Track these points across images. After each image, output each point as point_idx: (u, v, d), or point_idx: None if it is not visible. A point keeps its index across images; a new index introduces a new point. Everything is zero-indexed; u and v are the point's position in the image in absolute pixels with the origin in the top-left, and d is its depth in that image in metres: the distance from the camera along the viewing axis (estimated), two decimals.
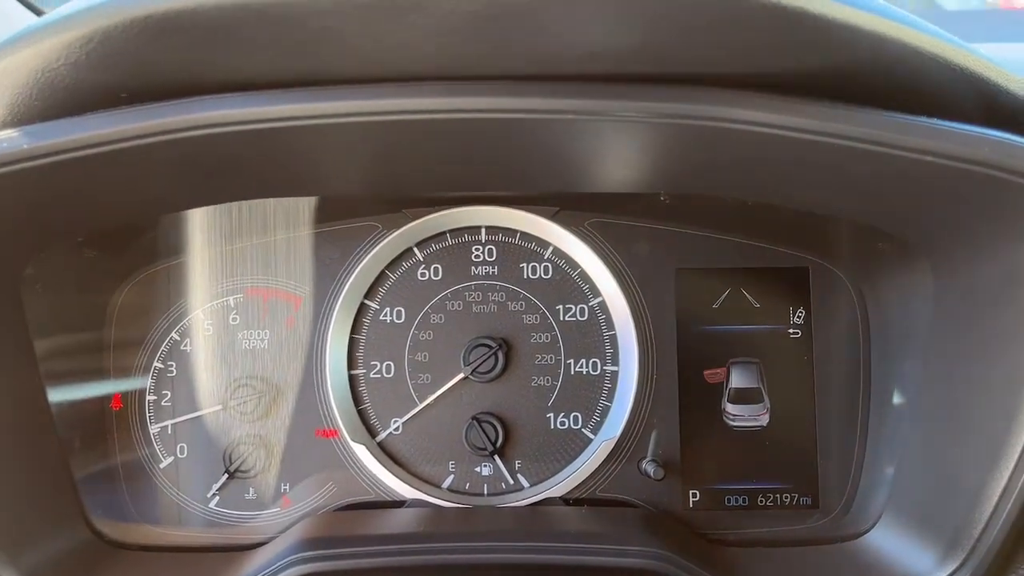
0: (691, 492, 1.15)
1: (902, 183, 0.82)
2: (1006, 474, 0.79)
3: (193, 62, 0.76)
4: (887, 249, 1.04)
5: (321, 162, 0.90)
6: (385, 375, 1.16)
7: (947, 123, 0.77)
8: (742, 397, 1.15)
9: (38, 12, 1.57)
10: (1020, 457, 0.78)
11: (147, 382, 1.16)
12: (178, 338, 1.17)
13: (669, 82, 0.78)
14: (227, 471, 1.14)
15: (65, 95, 0.78)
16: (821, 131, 0.75)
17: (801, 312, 1.16)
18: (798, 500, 1.15)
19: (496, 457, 1.14)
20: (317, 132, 0.81)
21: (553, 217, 1.15)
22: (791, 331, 1.16)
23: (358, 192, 1.10)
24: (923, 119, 0.77)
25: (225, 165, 0.87)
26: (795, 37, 0.72)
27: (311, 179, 0.96)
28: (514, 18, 0.70)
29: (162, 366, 1.16)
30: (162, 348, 1.16)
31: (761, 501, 1.15)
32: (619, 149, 0.87)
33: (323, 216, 1.15)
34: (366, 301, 1.16)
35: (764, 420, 1.15)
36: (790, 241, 1.15)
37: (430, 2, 0.67)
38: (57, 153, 0.77)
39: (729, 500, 1.15)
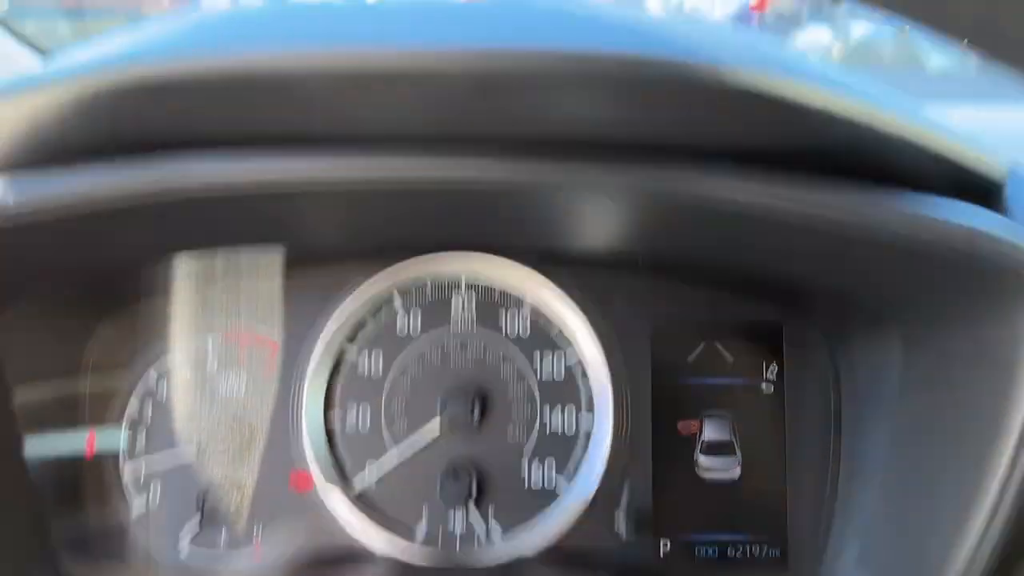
0: (663, 542, 1.15)
1: (869, 257, 0.84)
2: (970, 543, 0.81)
3: (182, 121, 0.77)
4: (859, 314, 1.06)
5: (305, 218, 0.91)
6: (361, 422, 1.16)
7: (916, 203, 0.79)
8: (715, 450, 1.16)
9: (42, 53, 1.57)
10: (985, 527, 0.80)
11: (121, 426, 1.15)
12: (154, 382, 1.16)
13: (651, 154, 0.80)
14: (199, 517, 1.13)
15: (52, 147, 0.79)
16: (792, 205, 0.78)
17: (774, 368, 1.17)
18: (767, 553, 1.16)
19: (469, 509, 1.14)
20: (304, 191, 0.82)
21: (534, 269, 1.16)
22: (764, 386, 1.17)
23: (340, 244, 1.11)
24: (892, 198, 0.79)
25: (210, 218, 0.88)
26: (769, 118, 0.75)
27: (295, 233, 0.97)
28: (504, 92, 0.72)
29: (137, 410, 1.16)
30: (137, 391, 1.16)
31: (731, 553, 1.16)
32: (600, 215, 0.89)
33: (304, 261, 1.16)
34: (344, 348, 1.17)
35: (736, 473, 1.16)
36: (765, 297, 1.17)
37: (420, 79, 0.69)
38: (41, 207, 0.77)
39: (700, 552, 1.16)
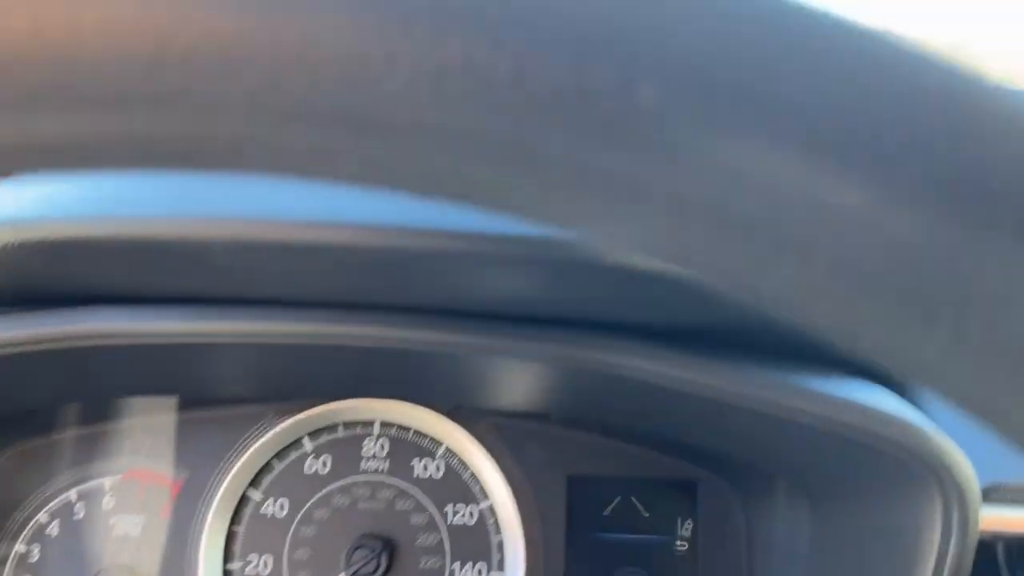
0: None
1: (773, 433, 0.84)
2: None
3: (80, 278, 0.76)
4: (769, 479, 1.06)
5: (210, 374, 0.89)
6: (262, 572, 1.11)
7: (819, 382, 0.80)
8: None
9: None
10: None
11: (4, 569, 1.09)
12: (46, 520, 1.11)
13: (558, 325, 0.80)
14: None
15: None
16: (693, 382, 0.78)
17: (689, 525, 1.16)
18: None
19: None
20: (207, 347, 0.81)
21: (448, 415, 1.14)
22: (678, 543, 1.15)
23: (246, 396, 1.08)
24: (796, 377, 0.80)
25: (104, 372, 0.85)
26: (675, 297, 0.75)
27: (200, 386, 0.95)
28: (406, 266, 0.71)
29: (24, 550, 1.10)
30: (26, 530, 1.10)
31: None
32: (508, 379, 0.88)
33: (211, 401, 1.12)
34: (249, 492, 1.12)
35: None
36: (682, 454, 1.16)
37: (319, 251, 0.68)
38: None
39: None
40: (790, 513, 1.04)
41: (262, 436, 1.12)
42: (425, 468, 1.15)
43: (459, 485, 1.15)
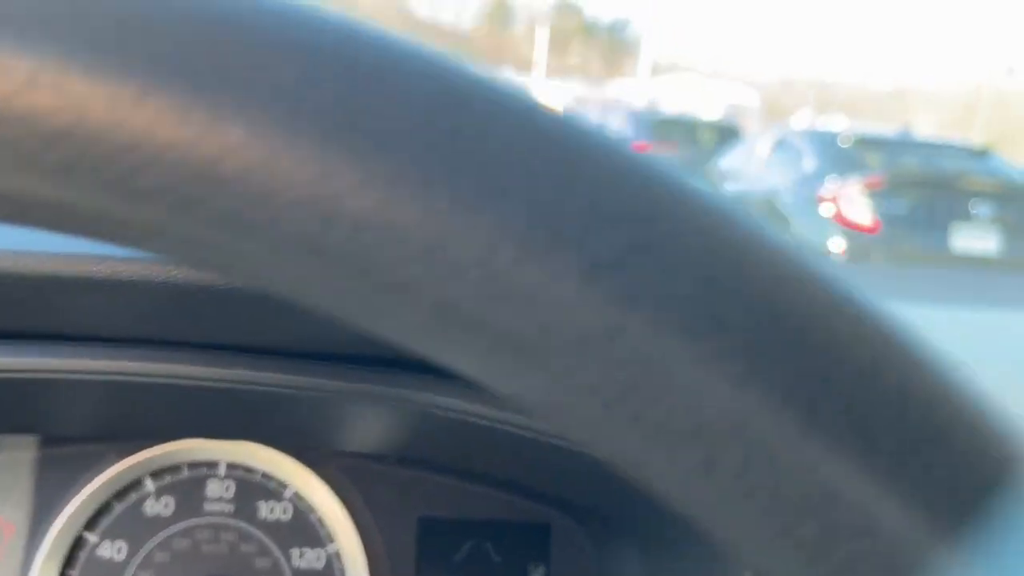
0: None
1: (600, 473, 0.85)
2: None
3: None
4: (606, 520, 1.06)
5: (42, 412, 0.86)
6: None
7: None
8: None
9: None
10: None
11: None
12: None
13: (391, 367, 0.80)
14: None
15: None
16: (511, 422, 0.79)
17: (542, 570, 1.15)
18: None
19: None
20: (30, 384, 0.79)
21: (296, 456, 1.12)
22: None
23: (87, 435, 1.05)
24: None
25: None
26: None
27: (34, 424, 0.92)
28: (220, 302, 0.71)
29: None
30: None
31: None
32: (346, 420, 0.88)
33: (47, 436, 1.08)
34: (85, 534, 1.08)
35: None
36: (535, 496, 1.16)
37: (127, 285, 0.67)
38: None
39: None
40: (633, 556, 1.04)
41: (100, 475, 1.08)
42: (272, 511, 1.12)
43: (306, 528, 1.12)
